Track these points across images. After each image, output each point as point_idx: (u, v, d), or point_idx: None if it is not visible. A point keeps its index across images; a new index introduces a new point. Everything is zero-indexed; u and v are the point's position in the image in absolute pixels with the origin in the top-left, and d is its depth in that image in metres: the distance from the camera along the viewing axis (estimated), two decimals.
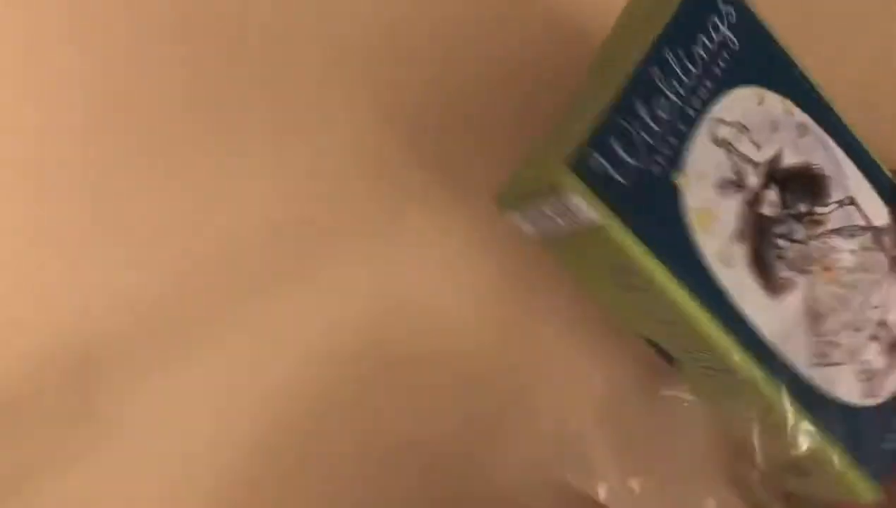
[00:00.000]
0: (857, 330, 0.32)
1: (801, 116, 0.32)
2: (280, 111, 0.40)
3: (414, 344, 0.40)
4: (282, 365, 0.39)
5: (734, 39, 0.30)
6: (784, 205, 0.31)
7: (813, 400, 0.31)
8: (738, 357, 0.30)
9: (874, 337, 0.32)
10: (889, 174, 0.33)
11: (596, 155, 0.28)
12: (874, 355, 0.32)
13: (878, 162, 0.33)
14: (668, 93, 0.29)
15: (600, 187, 0.28)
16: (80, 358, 0.40)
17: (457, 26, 0.40)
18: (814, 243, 0.31)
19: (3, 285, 0.40)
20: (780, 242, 0.31)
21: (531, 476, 0.39)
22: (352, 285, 0.39)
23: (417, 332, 0.40)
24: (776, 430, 0.31)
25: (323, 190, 0.39)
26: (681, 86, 0.29)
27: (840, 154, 0.32)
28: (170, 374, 0.39)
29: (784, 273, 0.31)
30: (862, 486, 0.32)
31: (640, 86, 0.29)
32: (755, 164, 0.30)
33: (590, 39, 0.37)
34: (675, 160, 0.29)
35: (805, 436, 0.31)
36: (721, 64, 0.30)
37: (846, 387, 0.32)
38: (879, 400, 0.32)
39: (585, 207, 0.28)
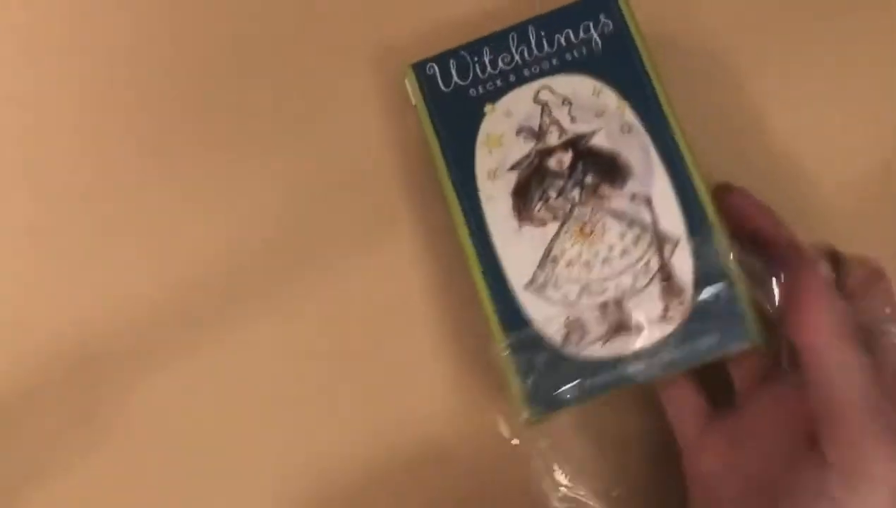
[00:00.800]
0: (588, 292, 0.37)
1: (631, 118, 0.38)
2: (283, 113, 0.42)
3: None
4: (282, 365, 0.40)
5: (598, 43, 0.39)
6: (572, 168, 0.38)
7: (511, 311, 0.37)
8: (466, 240, 0.38)
9: (603, 307, 0.37)
10: (705, 205, 0.37)
11: (432, 64, 0.40)
12: (592, 320, 0.37)
13: (700, 190, 0.37)
14: (513, 52, 0.40)
15: (423, 84, 0.40)
16: (81, 358, 0.40)
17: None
18: (583, 208, 0.38)
19: (4, 286, 0.41)
20: (551, 191, 0.38)
21: None
22: (351, 286, 0.41)
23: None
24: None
25: (326, 193, 0.41)
26: (528, 53, 0.40)
27: (657, 162, 0.38)
28: (170, 374, 0.40)
29: (540, 212, 0.38)
30: (521, 408, 0.36)
31: (494, 40, 0.40)
32: (562, 130, 0.39)
33: None
34: (493, 95, 0.39)
35: (496, 344, 0.37)
36: (575, 54, 0.39)
37: (549, 324, 0.37)
38: (572, 352, 0.36)
39: (409, 91, 0.40)
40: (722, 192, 0.37)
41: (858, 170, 0.42)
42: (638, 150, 0.38)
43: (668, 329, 0.36)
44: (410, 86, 0.40)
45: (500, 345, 0.37)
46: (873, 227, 0.41)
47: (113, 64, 0.43)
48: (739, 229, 0.37)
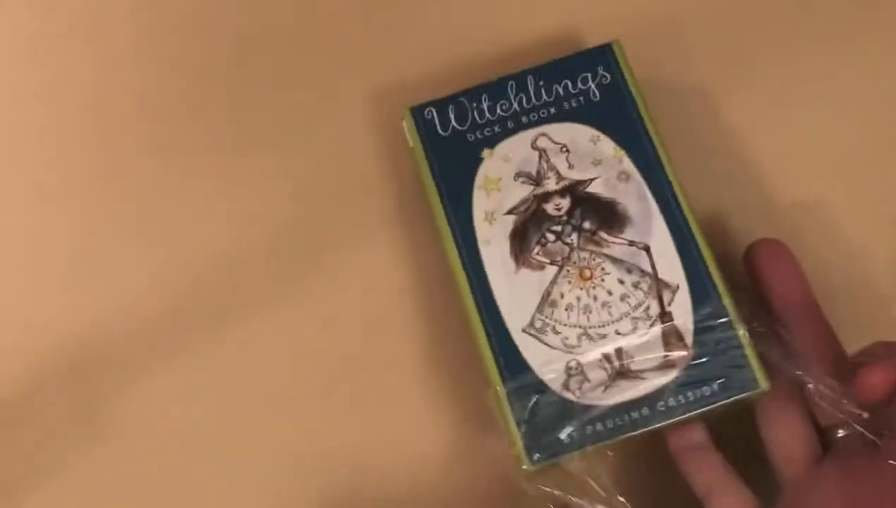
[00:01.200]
0: (588, 337, 0.36)
1: (629, 167, 0.39)
2: (284, 114, 0.42)
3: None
4: (283, 365, 0.40)
5: (597, 94, 0.40)
6: (570, 214, 0.38)
7: (510, 355, 0.36)
8: (462, 283, 0.37)
9: (604, 354, 0.36)
10: (703, 252, 0.37)
11: (431, 109, 0.40)
12: (594, 366, 0.36)
13: (698, 237, 0.37)
14: (512, 100, 0.40)
15: (421, 127, 0.40)
16: (81, 358, 0.40)
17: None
18: (583, 253, 0.38)
19: (5, 286, 0.41)
20: (549, 235, 0.38)
21: None
22: (349, 287, 0.41)
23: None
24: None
25: (326, 193, 0.42)
26: (527, 102, 0.40)
27: (655, 210, 0.38)
28: (171, 374, 0.40)
29: (538, 256, 0.38)
30: (522, 458, 0.35)
31: (493, 88, 0.40)
32: (560, 176, 0.39)
33: None
34: (491, 141, 0.39)
35: (492, 386, 0.36)
36: (573, 103, 0.40)
37: (548, 369, 0.36)
38: (572, 398, 0.35)
39: (408, 133, 0.40)
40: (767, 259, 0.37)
41: (852, 201, 0.42)
42: (635, 199, 0.38)
43: (671, 376, 0.35)
44: (408, 128, 0.40)
45: (498, 390, 0.35)
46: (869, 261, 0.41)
47: (115, 65, 0.43)
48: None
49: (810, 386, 0.33)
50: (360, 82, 0.43)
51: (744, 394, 0.35)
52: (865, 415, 0.32)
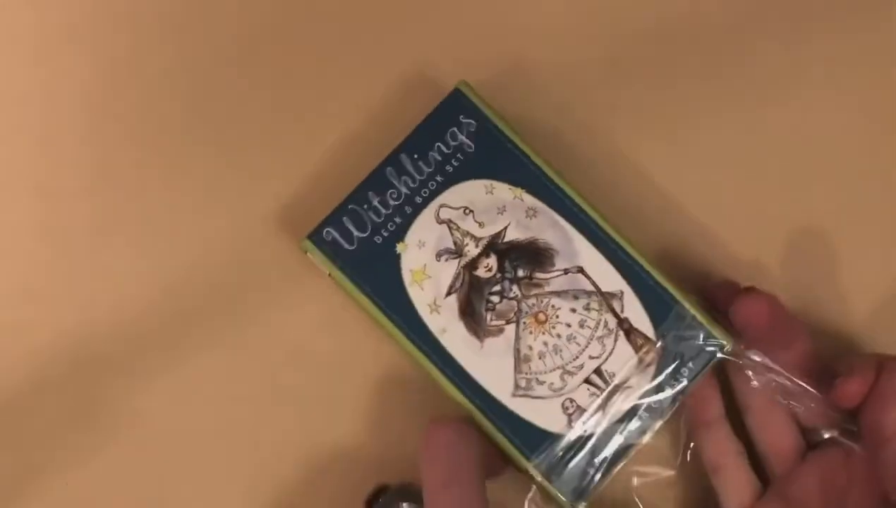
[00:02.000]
0: (568, 373, 0.39)
1: (531, 201, 0.40)
2: (281, 113, 0.43)
3: None
4: (284, 364, 0.41)
5: (471, 144, 0.40)
6: (501, 269, 0.40)
7: (514, 425, 0.38)
8: (444, 382, 0.38)
9: (588, 381, 0.39)
10: (628, 250, 0.39)
11: (330, 229, 0.40)
12: (584, 395, 0.38)
13: (617, 239, 0.39)
14: (398, 186, 0.40)
15: (328, 251, 0.40)
16: (81, 358, 0.41)
17: None
18: (529, 300, 0.39)
19: (6, 286, 0.41)
20: (493, 298, 0.39)
21: None
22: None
23: None
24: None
25: (327, 194, 0.41)
26: (412, 180, 0.40)
27: (572, 231, 0.40)
28: (171, 374, 0.41)
29: (493, 322, 0.39)
30: (560, 497, 0.37)
31: (375, 181, 0.40)
32: (476, 239, 0.40)
33: None
34: (399, 233, 0.40)
35: (527, 470, 0.38)
36: (454, 163, 0.40)
37: (550, 418, 0.38)
38: (580, 433, 0.38)
39: (318, 262, 0.40)
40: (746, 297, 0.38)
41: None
42: (550, 228, 0.40)
43: (651, 371, 0.38)
44: (316, 258, 0.39)
45: (532, 471, 0.37)
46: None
47: (115, 65, 0.43)
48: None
49: (784, 401, 0.38)
50: (360, 83, 0.43)
51: (714, 357, 0.38)
52: (840, 428, 0.37)
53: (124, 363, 0.41)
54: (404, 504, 0.38)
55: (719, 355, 0.38)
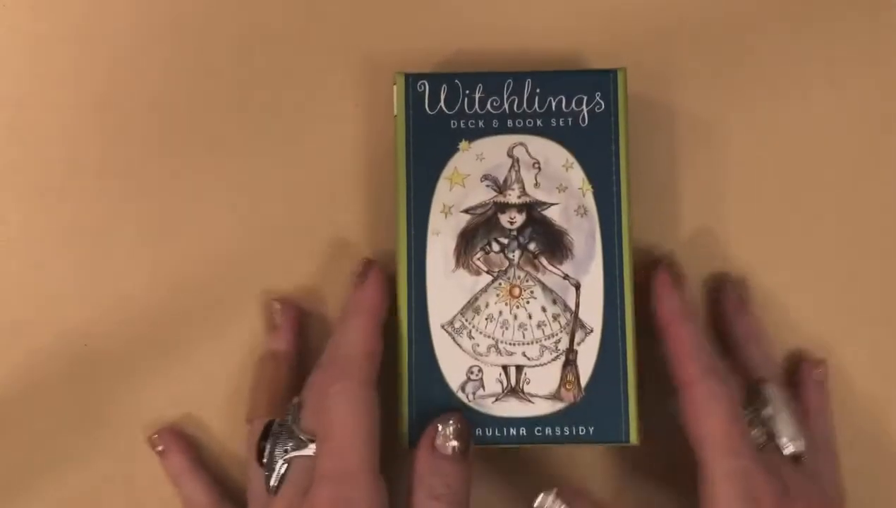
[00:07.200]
0: (496, 350, 0.39)
1: (589, 203, 0.40)
2: (283, 114, 0.43)
3: None
4: None
5: (586, 118, 0.40)
6: (520, 230, 0.40)
7: (424, 354, 0.39)
8: (402, 265, 0.39)
9: (504, 368, 0.39)
10: (626, 307, 0.39)
11: (423, 82, 0.40)
12: (492, 378, 0.39)
13: (627, 297, 0.39)
14: (504, 99, 0.40)
15: (410, 98, 0.40)
16: (82, 358, 0.41)
17: None
18: (519, 272, 0.40)
19: (6, 286, 0.41)
20: (494, 245, 0.40)
21: None
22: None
23: None
24: None
25: (327, 194, 0.42)
26: (518, 105, 0.40)
27: (598, 255, 0.39)
28: (171, 374, 0.41)
29: (478, 262, 0.39)
30: (405, 439, 0.38)
31: (491, 80, 0.40)
32: (523, 191, 0.40)
33: None
34: (472, 135, 0.40)
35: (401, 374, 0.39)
36: (561, 123, 0.40)
37: (453, 370, 0.39)
38: (463, 400, 0.38)
39: (395, 100, 0.40)
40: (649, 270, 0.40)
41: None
42: (585, 236, 0.40)
43: (557, 407, 0.38)
44: (397, 95, 0.40)
45: (404, 378, 0.38)
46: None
47: (116, 66, 0.43)
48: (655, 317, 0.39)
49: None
50: (360, 82, 0.43)
51: (611, 443, 0.39)
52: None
53: (124, 363, 0.41)
54: (296, 429, 0.37)
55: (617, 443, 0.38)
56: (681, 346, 0.38)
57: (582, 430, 0.38)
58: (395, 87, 0.40)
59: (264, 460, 0.36)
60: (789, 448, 0.37)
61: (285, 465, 0.36)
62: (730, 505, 0.35)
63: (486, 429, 0.38)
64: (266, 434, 0.37)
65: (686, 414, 0.37)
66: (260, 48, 0.43)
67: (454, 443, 0.36)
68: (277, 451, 0.36)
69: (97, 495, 0.41)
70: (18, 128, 0.42)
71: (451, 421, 0.36)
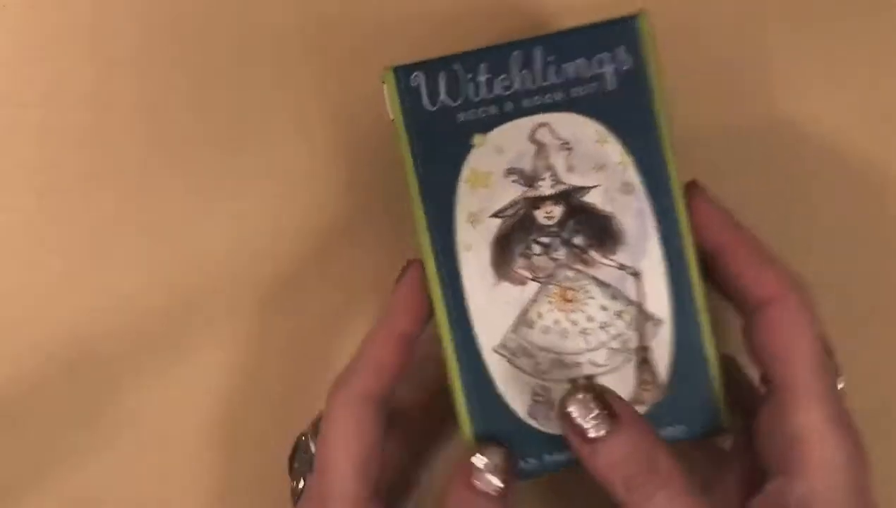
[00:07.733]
0: (560, 365, 0.35)
1: (633, 177, 0.35)
2: (283, 113, 0.42)
3: None
4: (282, 363, 0.41)
5: (613, 81, 0.35)
6: (561, 224, 0.35)
7: (481, 381, 0.34)
8: (436, 292, 0.34)
9: (573, 382, 0.34)
10: (695, 289, 0.34)
11: (418, 74, 0.35)
12: (561, 393, 0.34)
13: (692, 273, 0.34)
14: (513, 77, 0.35)
15: (404, 96, 0.35)
16: (82, 358, 0.41)
17: None
18: (569, 272, 0.35)
19: (6, 285, 0.41)
20: (535, 247, 0.35)
21: None
22: (353, 284, 0.41)
23: None
24: None
25: (327, 194, 0.41)
26: (532, 81, 0.35)
27: (653, 232, 0.35)
28: (171, 374, 0.41)
29: (521, 269, 0.35)
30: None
31: (494, 57, 0.35)
32: (556, 179, 0.35)
33: None
34: (485, 125, 0.35)
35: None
36: (584, 91, 0.35)
37: (517, 395, 0.34)
38: (535, 426, 0.34)
39: (388, 101, 0.35)
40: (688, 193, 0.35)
41: None
42: (634, 216, 0.35)
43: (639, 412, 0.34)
44: (389, 95, 0.34)
45: (465, 428, 0.34)
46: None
47: (115, 65, 0.42)
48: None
49: None
50: (361, 81, 0.40)
51: (706, 436, 0.35)
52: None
53: (124, 363, 0.41)
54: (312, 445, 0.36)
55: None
56: (754, 257, 0.33)
57: (670, 430, 0.34)
58: (384, 86, 0.34)
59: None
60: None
61: (303, 482, 0.35)
62: (827, 428, 0.31)
63: (565, 452, 0.34)
64: (296, 446, 0.37)
65: (771, 331, 0.33)
66: (260, 48, 0.42)
67: (494, 481, 0.32)
68: (296, 467, 0.36)
69: (97, 495, 0.40)
70: (17, 129, 0.41)
71: (490, 455, 0.32)
